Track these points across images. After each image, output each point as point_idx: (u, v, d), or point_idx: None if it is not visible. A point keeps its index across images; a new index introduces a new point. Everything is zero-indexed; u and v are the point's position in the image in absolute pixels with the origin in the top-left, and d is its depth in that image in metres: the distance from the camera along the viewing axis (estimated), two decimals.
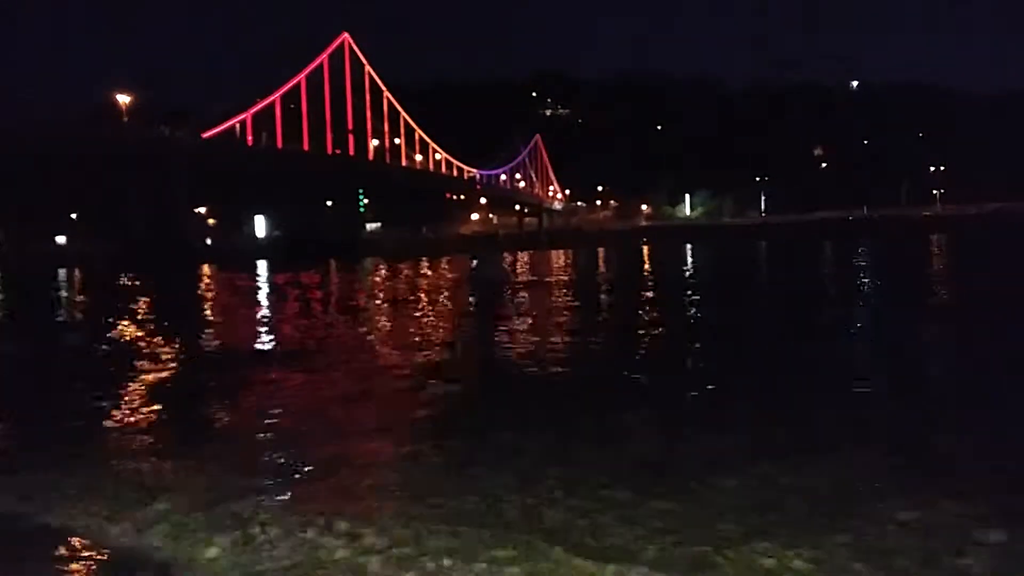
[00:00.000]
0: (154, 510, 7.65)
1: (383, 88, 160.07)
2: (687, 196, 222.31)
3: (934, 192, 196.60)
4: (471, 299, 34.84)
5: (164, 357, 18.31)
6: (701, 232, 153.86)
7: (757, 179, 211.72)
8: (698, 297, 31.53)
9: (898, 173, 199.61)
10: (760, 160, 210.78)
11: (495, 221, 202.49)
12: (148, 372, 16.07)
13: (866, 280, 36.58)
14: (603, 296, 34.62)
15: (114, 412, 12.28)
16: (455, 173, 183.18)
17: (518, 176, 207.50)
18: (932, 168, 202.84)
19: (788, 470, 8.17)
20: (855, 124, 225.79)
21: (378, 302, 34.22)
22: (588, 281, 43.28)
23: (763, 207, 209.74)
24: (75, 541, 7.16)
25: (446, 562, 6.32)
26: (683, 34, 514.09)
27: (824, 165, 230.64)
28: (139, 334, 23.38)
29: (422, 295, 36.25)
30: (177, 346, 20.18)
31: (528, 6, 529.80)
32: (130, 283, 54.91)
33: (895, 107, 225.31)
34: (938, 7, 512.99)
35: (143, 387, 14.51)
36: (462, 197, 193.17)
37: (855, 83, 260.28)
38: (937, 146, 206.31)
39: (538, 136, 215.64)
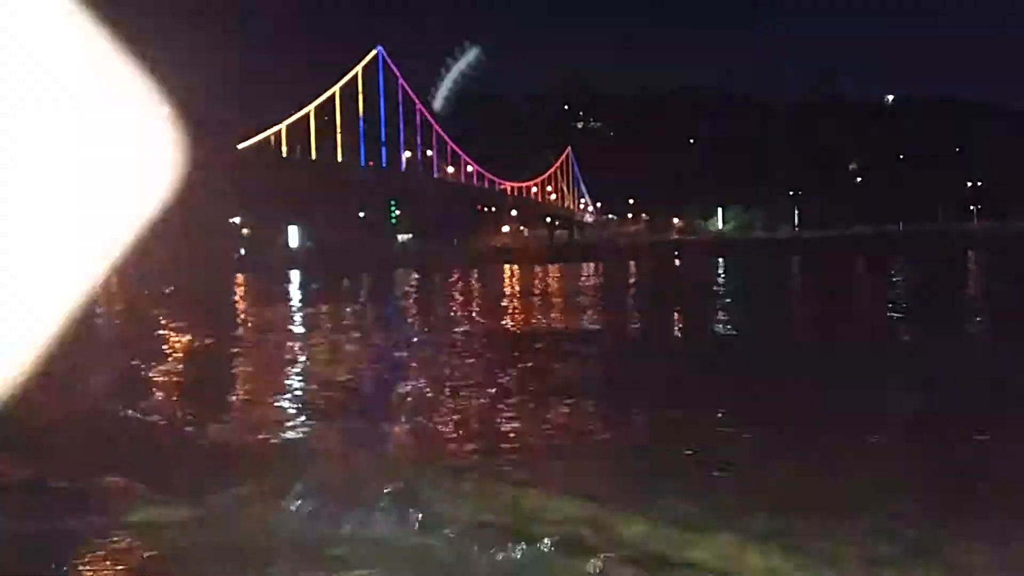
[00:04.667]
0: None
1: (415, 100, 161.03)
2: (719, 210, 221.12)
3: (971, 208, 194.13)
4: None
5: None
6: (734, 246, 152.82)
7: (791, 193, 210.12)
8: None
9: (934, 188, 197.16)
10: (793, 174, 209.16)
11: (526, 233, 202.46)
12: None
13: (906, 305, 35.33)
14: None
15: None
16: (486, 185, 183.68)
17: (549, 188, 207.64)
18: (969, 183, 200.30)
19: None
20: (891, 138, 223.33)
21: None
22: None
23: (796, 221, 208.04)
24: None
25: None
26: (715, 48, 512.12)
27: (859, 179, 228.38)
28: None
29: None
30: None
31: (561, 19, 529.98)
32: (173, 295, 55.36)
33: (932, 121, 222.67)
34: (976, 21, 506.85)
35: None
36: (493, 209, 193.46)
37: (891, 97, 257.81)
38: (974, 161, 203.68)
39: (569, 148, 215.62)
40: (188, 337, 23.79)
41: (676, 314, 28.14)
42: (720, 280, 57.55)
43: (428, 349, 18.18)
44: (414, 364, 16.45)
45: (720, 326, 24.34)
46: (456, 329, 22.54)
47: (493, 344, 19.19)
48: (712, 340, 19.89)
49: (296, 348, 19.83)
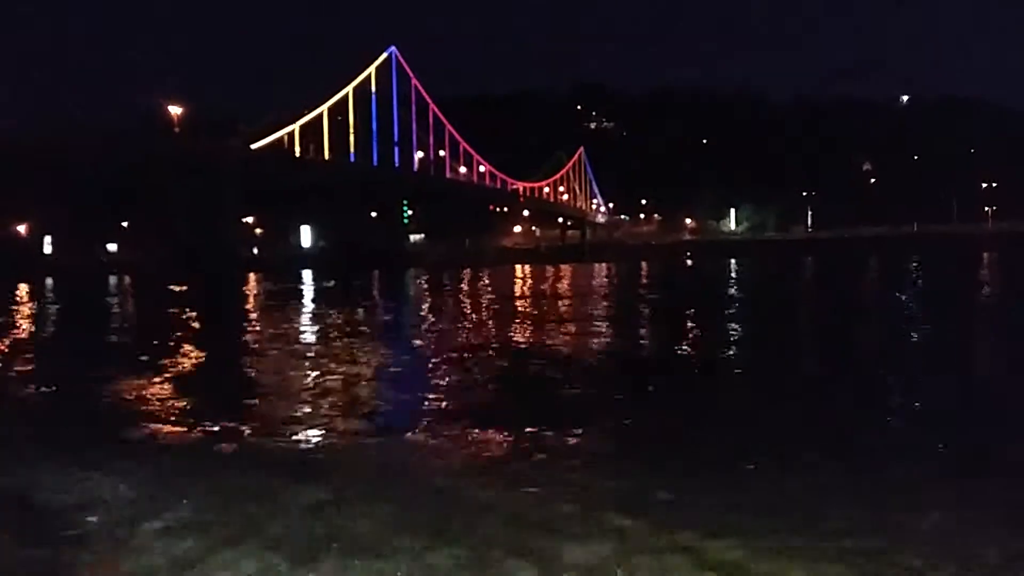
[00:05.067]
0: None
1: (429, 101, 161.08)
2: (732, 210, 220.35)
3: (986, 209, 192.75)
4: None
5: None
6: (746, 247, 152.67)
7: (804, 194, 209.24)
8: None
9: (948, 189, 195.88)
10: (807, 174, 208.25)
11: (538, 233, 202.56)
12: None
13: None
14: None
15: None
16: (499, 185, 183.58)
17: (561, 189, 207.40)
18: (984, 184, 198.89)
19: None
20: (905, 139, 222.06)
21: None
22: None
23: (809, 222, 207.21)
24: None
25: None
26: (729, 48, 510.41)
27: (873, 180, 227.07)
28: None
29: None
30: None
31: (573, 19, 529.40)
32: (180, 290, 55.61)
33: (946, 122, 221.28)
34: (990, 22, 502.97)
35: None
36: (505, 209, 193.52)
37: (905, 97, 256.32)
38: (989, 162, 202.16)
39: (581, 149, 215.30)
40: (183, 352, 23.34)
41: (682, 331, 27.61)
42: (730, 282, 57.43)
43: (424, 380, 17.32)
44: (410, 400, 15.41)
45: (727, 349, 22.60)
46: (460, 348, 21.80)
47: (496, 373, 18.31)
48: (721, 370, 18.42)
49: (285, 370, 18.76)
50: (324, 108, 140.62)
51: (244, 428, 11.68)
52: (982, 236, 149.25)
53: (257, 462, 9.48)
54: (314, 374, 17.09)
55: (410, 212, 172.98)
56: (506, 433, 10.96)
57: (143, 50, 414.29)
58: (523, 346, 22.37)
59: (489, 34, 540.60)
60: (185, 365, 18.97)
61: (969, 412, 12.59)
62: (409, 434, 11.30)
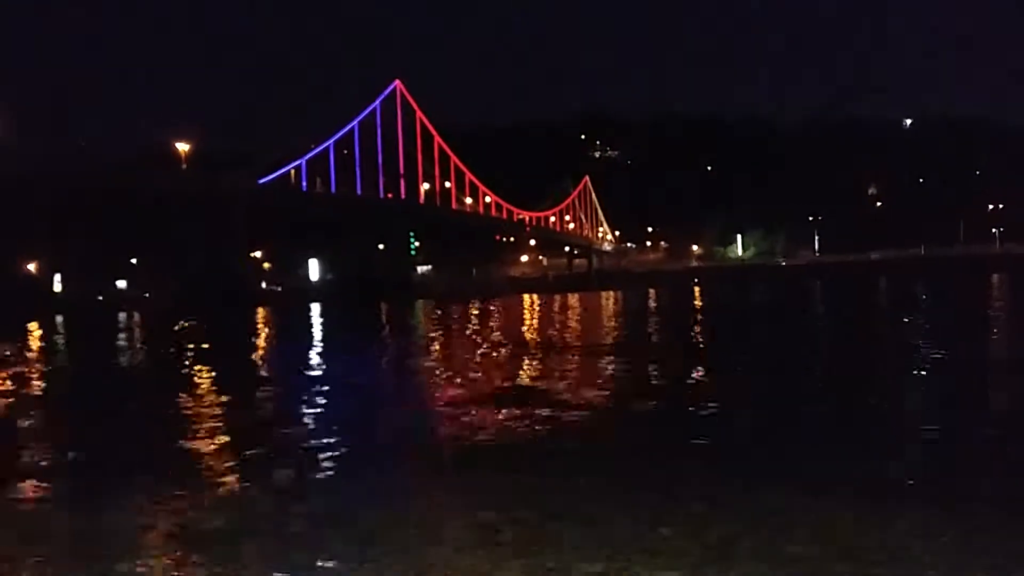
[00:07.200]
0: None
1: (434, 132, 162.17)
2: (739, 236, 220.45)
3: (992, 230, 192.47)
4: None
5: None
6: (753, 273, 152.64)
7: (810, 218, 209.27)
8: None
9: (955, 211, 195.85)
10: (813, 199, 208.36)
11: (545, 262, 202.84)
12: None
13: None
14: None
15: None
16: (505, 215, 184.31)
17: (568, 218, 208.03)
18: (991, 206, 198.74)
19: None
20: (910, 162, 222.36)
21: None
22: None
23: (817, 246, 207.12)
24: None
25: None
26: (734, 73, 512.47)
27: (879, 204, 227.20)
28: None
29: None
30: None
31: (577, 47, 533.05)
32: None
33: (950, 144, 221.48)
34: (992, 42, 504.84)
35: None
36: (512, 239, 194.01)
37: (909, 120, 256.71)
38: (994, 183, 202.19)
39: (587, 178, 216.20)
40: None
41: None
42: (741, 312, 57.28)
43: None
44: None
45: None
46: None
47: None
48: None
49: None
50: (331, 142, 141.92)
51: None
52: (990, 257, 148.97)
53: None
54: None
55: (417, 243, 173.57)
56: None
57: (151, 87, 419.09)
58: None
59: (492, 64, 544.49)
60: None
61: None
62: None
